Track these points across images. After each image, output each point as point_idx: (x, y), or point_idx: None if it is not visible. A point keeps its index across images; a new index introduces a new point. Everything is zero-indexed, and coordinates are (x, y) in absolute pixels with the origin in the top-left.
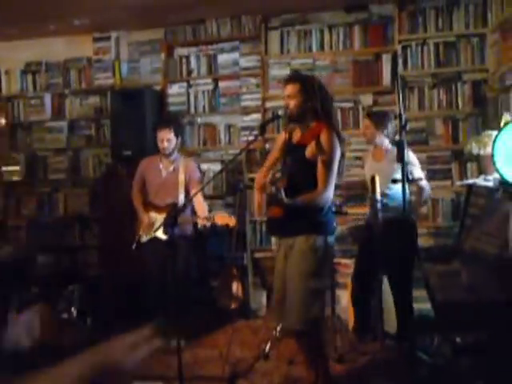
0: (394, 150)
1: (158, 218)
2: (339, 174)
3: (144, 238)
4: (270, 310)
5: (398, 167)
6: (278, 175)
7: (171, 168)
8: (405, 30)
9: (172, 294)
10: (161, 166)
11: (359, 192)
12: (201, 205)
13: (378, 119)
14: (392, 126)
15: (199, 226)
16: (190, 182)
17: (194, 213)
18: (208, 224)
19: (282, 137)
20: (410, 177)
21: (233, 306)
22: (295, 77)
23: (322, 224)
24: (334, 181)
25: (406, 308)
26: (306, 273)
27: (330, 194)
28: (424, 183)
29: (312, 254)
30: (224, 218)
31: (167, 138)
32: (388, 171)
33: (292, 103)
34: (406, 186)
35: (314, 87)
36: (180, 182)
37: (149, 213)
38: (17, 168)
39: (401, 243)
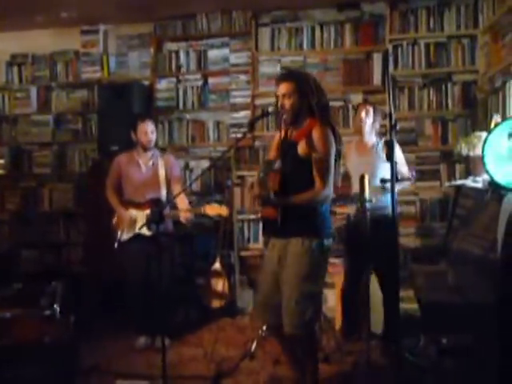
0: (380, 144)
1: (139, 214)
2: (336, 173)
3: (125, 236)
4: (254, 309)
5: (385, 164)
6: (262, 175)
7: (150, 163)
8: (396, 29)
9: (156, 291)
10: (140, 161)
11: (345, 191)
12: (182, 199)
13: (376, 110)
14: (380, 122)
15: (183, 220)
16: (170, 178)
17: (174, 208)
18: (190, 217)
19: (277, 137)
20: (399, 176)
21: (219, 304)
22: (290, 75)
23: (318, 226)
24: (331, 178)
25: (394, 308)
26: (301, 276)
27: (327, 192)
28: (407, 184)
29: (307, 256)
30: (215, 208)
31: (151, 130)
32: (374, 166)
33: (288, 103)
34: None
35: (310, 84)
36: (161, 177)
37: (128, 210)
38: (1, 161)
39: (387, 241)
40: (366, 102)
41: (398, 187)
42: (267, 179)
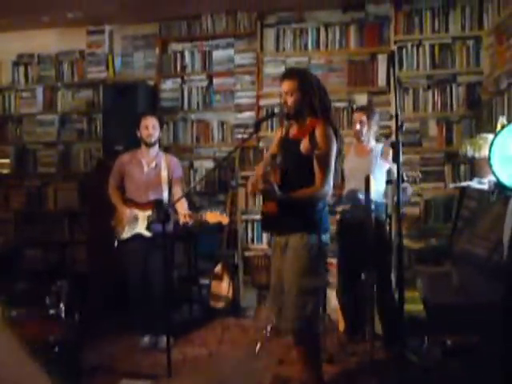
0: (378, 148)
1: (141, 214)
2: (335, 171)
3: (125, 235)
4: (259, 309)
5: (382, 166)
6: (276, 163)
7: (153, 164)
8: (401, 30)
9: (158, 291)
10: (142, 161)
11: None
12: (181, 204)
13: (371, 115)
14: (378, 123)
15: (180, 223)
16: (172, 179)
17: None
18: (190, 221)
19: (278, 133)
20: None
21: (223, 304)
22: (293, 73)
23: (317, 222)
24: (331, 175)
25: (389, 309)
26: (301, 271)
27: (328, 189)
28: (406, 184)
29: (306, 252)
30: (215, 216)
31: (153, 125)
32: (370, 170)
33: (290, 100)
34: (389, 187)
35: (312, 83)
36: (163, 178)
37: (129, 209)
38: (6, 161)
39: (374, 242)
40: (360, 109)
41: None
42: (271, 173)
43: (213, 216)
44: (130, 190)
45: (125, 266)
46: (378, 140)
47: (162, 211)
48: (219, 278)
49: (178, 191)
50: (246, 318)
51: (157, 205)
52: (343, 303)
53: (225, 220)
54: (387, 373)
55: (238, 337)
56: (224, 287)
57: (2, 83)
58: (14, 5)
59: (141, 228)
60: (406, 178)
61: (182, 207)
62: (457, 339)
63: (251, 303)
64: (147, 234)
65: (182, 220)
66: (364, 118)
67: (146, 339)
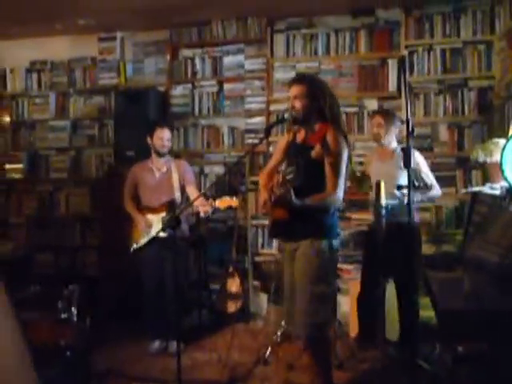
0: (401, 152)
1: (155, 218)
2: (345, 178)
3: (142, 241)
4: (269, 314)
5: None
6: (290, 177)
7: (164, 168)
8: (411, 35)
9: (170, 295)
10: (154, 168)
11: (362, 197)
12: (199, 200)
13: (389, 118)
14: (398, 126)
15: (202, 214)
16: (184, 181)
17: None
18: (211, 210)
19: (285, 138)
20: (417, 184)
21: (234, 307)
22: (302, 78)
23: (328, 227)
24: (343, 181)
25: (412, 315)
26: (313, 277)
27: (340, 195)
28: (436, 192)
29: (317, 258)
30: (225, 201)
31: (167, 138)
32: (394, 173)
33: (298, 104)
34: (412, 192)
35: (321, 89)
36: (174, 180)
37: (145, 216)
38: (19, 166)
39: (406, 247)
40: (378, 112)
41: (424, 197)
42: (286, 182)
43: (223, 202)
44: (144, 197)
45: (140, 270)
46: (399, 142)
47: (173, 217)
48: (233, 275)
49: (193, 191)
50: (256, 323)
51: (169, 205)
52: (363, 309)
53: (235, 203)
54: (398, 379)
55: (248, 342)
56: (237, 285)
57: (16, 89)
58: (27, 12)
59: (156, 230)
60: (431, 183)
61: (201, 201)
62: (468, 346)
63: (261, 308)
64: (162, 234)
65: (201, 210)
66: (382, 120)
67: (156, 344)
